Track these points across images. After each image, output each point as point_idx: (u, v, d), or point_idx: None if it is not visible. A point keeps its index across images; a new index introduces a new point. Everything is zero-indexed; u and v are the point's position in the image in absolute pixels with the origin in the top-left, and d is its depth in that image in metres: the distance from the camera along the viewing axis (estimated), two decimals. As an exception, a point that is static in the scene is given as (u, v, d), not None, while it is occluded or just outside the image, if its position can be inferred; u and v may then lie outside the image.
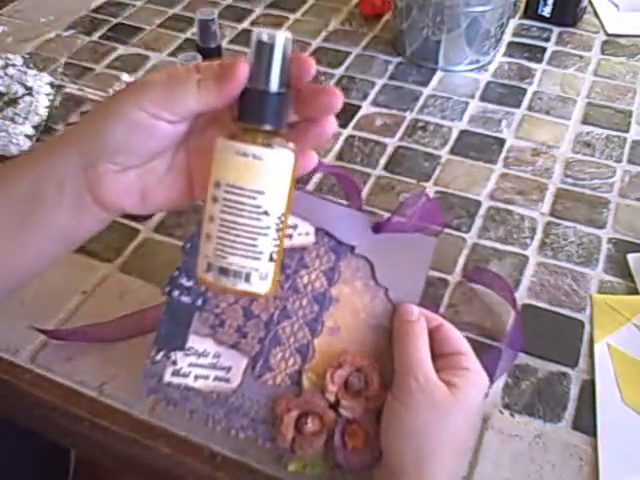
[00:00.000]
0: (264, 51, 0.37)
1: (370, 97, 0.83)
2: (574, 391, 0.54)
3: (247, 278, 0.37)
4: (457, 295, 0.60)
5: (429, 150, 0.76)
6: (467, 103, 0.83)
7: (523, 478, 0.49)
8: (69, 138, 0.41)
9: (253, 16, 0.98)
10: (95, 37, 0.93)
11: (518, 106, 0.83)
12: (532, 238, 0.66)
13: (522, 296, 0.61)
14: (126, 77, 0.80)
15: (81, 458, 0.90)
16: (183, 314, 0.47)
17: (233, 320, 0.47)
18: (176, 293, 0.47)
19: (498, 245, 0.65)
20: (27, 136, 0.73)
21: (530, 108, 0.82)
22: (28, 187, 0.41)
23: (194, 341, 0.47)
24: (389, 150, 0.76)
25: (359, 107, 0.82)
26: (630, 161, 0.75)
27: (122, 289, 0.61)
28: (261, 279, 0.38)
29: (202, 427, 0.51)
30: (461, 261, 0.63)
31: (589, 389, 0.54)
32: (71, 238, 0.43)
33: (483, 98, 0.84)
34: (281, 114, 0.38)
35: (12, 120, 0.73)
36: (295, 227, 0.49)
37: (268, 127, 0.37)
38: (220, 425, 0.47)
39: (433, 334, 0.46)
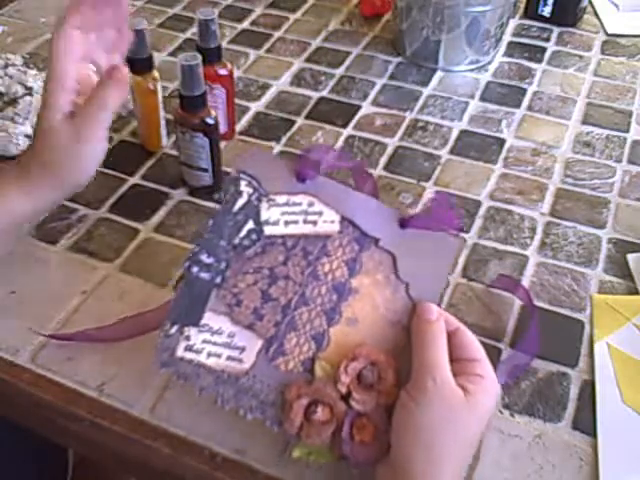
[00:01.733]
0: None
1: (370, 97, 0.83)
2: (574, 391, 0.54)
3: None
4: (457, 295, 0.60)
5: (429, 150, 0.76)
6: (467, 103, 0.83)
7: (523, 478, 0.49)
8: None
9: (253, 16, 0.99)
10: (95, 37, 0.93)
11: (518, 106, 0.83)
12: (532, 238, 0.66)
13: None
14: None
15: (81, 458, 0.90)
16: (201, 290, 0.47)
17: (250, 301, 0.47)
18: (195, 269, 0.47)
19: (498, 245, 0.65)
20: (27, 136, 0.73)
21: (530, 108, 0.82)
22: None
23: (210, 318, 0.46)
24: (389, 150, 0.76)
25: (359, 107, 0.82)
26: (630, 161, 0.75)
27: (122, 289, 0.61)
28: None
29: (202, 427, 0.51)
30: (461, 261, 0.63)
31: (589, 389, 0.54)
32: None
33: (483, 98, 0.84)
34: None
35: (12, 120, 0.73)
36: (321, 214, 0.48)
37: None
38: (229, 404, 0.46)
39: (450, 338, 0.46)
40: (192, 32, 0.94)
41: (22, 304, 0.59)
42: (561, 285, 0.62)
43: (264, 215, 0.48)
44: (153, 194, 0.70)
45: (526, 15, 0.98)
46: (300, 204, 0.49)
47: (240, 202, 0.48)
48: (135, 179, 0.72)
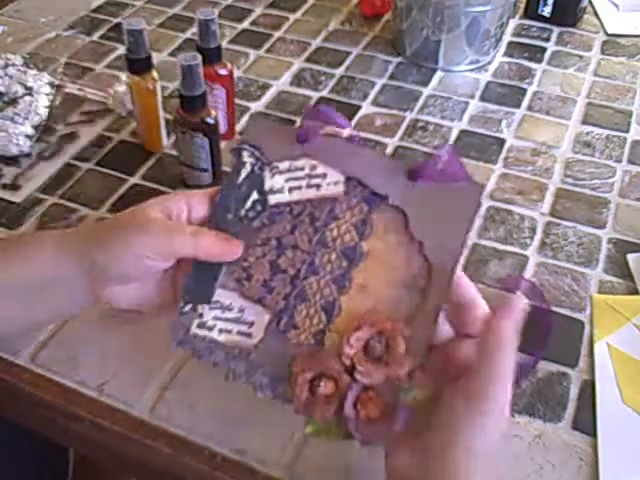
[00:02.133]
0: None
1: (370, 97, 0.83)
2: (574, 391, 0.54)
3: None
4: (457, 295, 0.60)
5: (429, 150, 0.76)
6: (467, 103, 0.83)
7: (523, 478, 0.49)
8: (77, 252, 0.46)
9: (253, 16, 0.98)
10: (95, 37, 0.93)
11: (518, 106, 0.83)
12: (532, 238, 0.66)
13: (522, 296, 0.60)
14: (125, 77, 0.80)
15: (81, 458, 0.90)
16: (211, 267, 0.46)
17: (260, 274, 0.46)
18: None
19: (498, 245, 0.65)
20: (27, 136, 0.73)
21: (530, 108, 0.82)
22: (34, 283, 0.47)
23: (220, 295, 0.46)
24: (389, 150, 0.76)
25: (359, 107, 0.82)
26: (630, 161, 0.75)
27: (122, 289, 0.60)
28: None
29: (202, 427, 0.51)
30: (461, 261, 0.63)
31: (589, 389, 0.54)
32: (65, 314, 0.55)
33: (483, 98, 0.84)
34: None
35: (12, 120, 0.73)
36: (324, 176, 0.46)
37: None
38: (241, 380, 0.44)
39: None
40: (192, 32, 0.94)
41: (22, 304, 0.59)
42: (561, 285, 0.62)
43: (268, 184, 0.47)
44: (153, 194, 0.69)
45: (526, 15, 0.98)
46: (303, 168, 0.47)
47: (243, 173, 0.47)
48: (135, 179, 0.72)
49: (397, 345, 0.42)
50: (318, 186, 0.46)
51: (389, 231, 0.45)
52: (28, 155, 0.74)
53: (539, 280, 0.62)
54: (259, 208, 0.47)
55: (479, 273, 0.62)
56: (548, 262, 0.64)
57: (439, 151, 0.46)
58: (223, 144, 0.70)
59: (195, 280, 0.46)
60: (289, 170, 0.47)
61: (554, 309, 0.60)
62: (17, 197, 0.70)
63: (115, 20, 0.97)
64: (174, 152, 0.74)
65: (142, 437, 0.51)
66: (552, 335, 0.57)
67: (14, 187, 0.70)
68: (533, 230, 0.67)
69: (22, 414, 0.59)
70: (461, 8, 0.82)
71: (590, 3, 1.01)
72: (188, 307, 0.46)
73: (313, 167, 0.47)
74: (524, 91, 0.85)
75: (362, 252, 0.45)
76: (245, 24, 0.97)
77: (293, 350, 0.44)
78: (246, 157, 0.47)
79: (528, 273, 0.63)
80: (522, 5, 0.99)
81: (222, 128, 0.71)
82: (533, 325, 0.57)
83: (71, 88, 0.83)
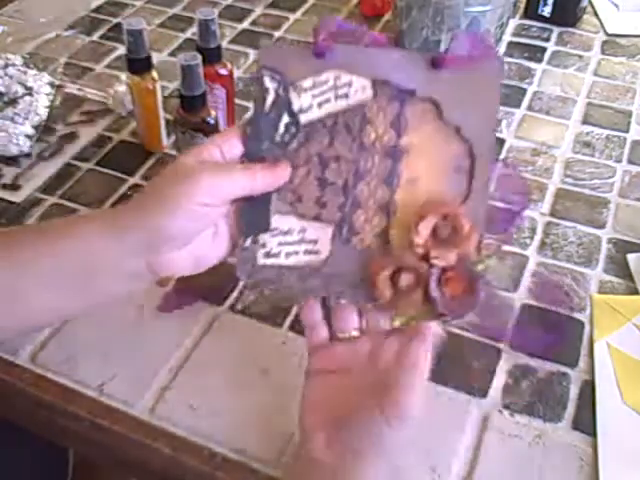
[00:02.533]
0: None
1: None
2: (574, 391, 0.54)
3: None
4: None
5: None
6: (467, 103, 0.83)
7: (523, 478, 0.49)
8: (124, 223, 0.45)
9: (253, 16, 0.98)
10: (95, 37, 0.93)
11: (518, 106, 0.83)
12: (532, 238, 0.66)
13: (522, 296, 0.61)
14: (125, 77, 0.80)
15: (80, 458, 0.90)
16: (261, 197, 0.46)
17: (310, 193, 0.47)
18: None
19: (498, 245, 0.65)
20: (27, 136, 0.73)
21: (530, 108, 0.82)
22: (80, 262, 0.45)
23: (277, 221, 0.47)
24: (389, 150, 0.76)
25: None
26: (630, 161, 0.75)
27: (122, 289, 0.60)
28: None
29: (202, 427, 0.51)
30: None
31: (589, 389, 0.54)
32: (119, 297, 0.49)
33: (483, 98, 0.84)
34: None
35: (12, 120, 0.73)
36: (350, 84, 0.47)
37: None
38: (319, 294, 0.46)
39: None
40: (192, 32, 0.94)
41: (22, 304, 0.59)
42: (561, 285, 0.62)
43: (296, 104, 0.47)
44: (153, 194, 0.70)
45: (526, 15, 0.98)
46: (327, 81, 0.47)
47: (269, 99, 0.47)
48: (135, 179, 0.72)
49: (462, 225, 0.44)
50: (346, 95, 0.47)
51: (423, 122, 0.46)
52: (28, 155, 0.74)
53: (539, 280, 0.62)
54: (293, 130, 0.47)
55: (479, 273, 0.62)
56: (548, 262, 0.64)
57: (457, 36, 0.48)
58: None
59: (249, 213, 0.46)
60: (314, 86, 0.47)
61: (554, 309, 0.60)
62: (17, 197, 0.70)
63: (115, 20, 0.97)
64: (174, 152, 0.74)
65: (142, 437, 0.51)
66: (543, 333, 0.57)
67: (14, 187, 0.70)
68: (533, 230, 0.67)
69: (22, 414, 0.59)
70: (461, 8, 0.82)
71: (590, 3, 1.01)
72: (249, 241, 0.47)
73: (337, 77, 0.47)
74: (524, 91, 0.85)
75: (403, 148, 0.46)
76: (245, 24, 0.97)
77: (361, 255, 0.46)
78: (268, 82, 0.47)
79: (528, 273, 0.63)
80: (522, 5, 0.99)
81: (222, 128, 0.71)
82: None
83: (71, 88, 0.83)
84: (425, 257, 0.44)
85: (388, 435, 0.42)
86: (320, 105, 0.47)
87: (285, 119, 0.47)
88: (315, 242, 0.47)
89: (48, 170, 0.73)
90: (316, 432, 0.44)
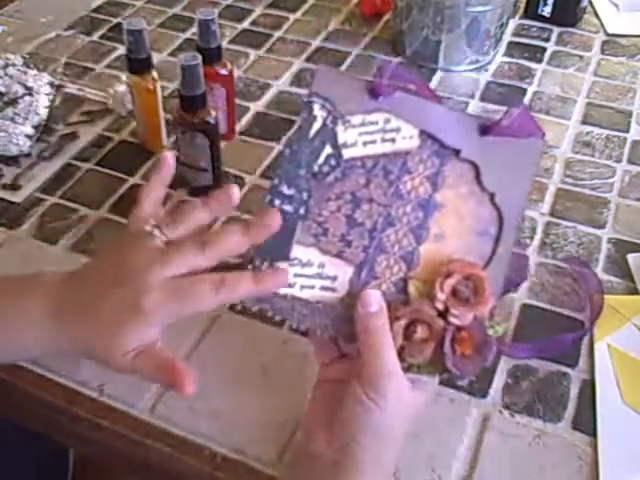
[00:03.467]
0: None
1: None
2: (574, 391, 0.54)
3: None
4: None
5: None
6: (467, 103, 0.83)
7: (523, 478, 0.49)
8: (68, 328, 0.45)
9: (253, 16, 0.98)
10: (95, 37, 0.93)
11: (518, 106, 0.82)
12: (532, 238, 0.66)
13: (522, 296, 0.61)
14: (125, 77, 0.80)
15: (81, 458, 0.90)
16: (286, 223, 0.46)
17: (336, 229, 0.47)
18: (277, 202, 0.46)
19: (498, 245, 0.65)
20: (27, 136, 0.73)
21: (530, 108, 0.82)
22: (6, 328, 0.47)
23: (298, 251, 0.46)
24: (389, 150, 0.76)
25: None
26: (630, 161, 0.75)
27: (122, 289, 0.60)
28: None
29: (202, 427, 0.51)
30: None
31: (589, 389, 0.54)
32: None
33: (483, 98, 0.84)
34: None
35: (12, 120, 0.73)
36: (398, 130, 0.47)
37: None
38: (328, 332, 0.46)
39: None
40: (192, 32, 0.94)
41: (22, 304, 0.59)
42: (561, 285, 0.62)
43: (341, 138, 0.47)
44: (153, 194, 0.70)
45: (526, 15, 0.98)
46: (377, 122, 0.48)
47: (315, 127, 0.47)
48: (135, 179, 0.72)
49: (484, 288, 0.45)
50: (393, 140, 0.47)
51: (461, 182, 0.48)
52: (28, 155, 0.74)
53: (539, 280, 0.62)
54: (333, 163, 0.47)
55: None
56: (548, 262, 0.64)
57: (511, 108, 0.49)
58: (223, 144, 0.70)
59: (271, 238, 0.45)
60: (363, 124, 0.47)
61: (554, 309, 0.60)
62: (17, 197, 0.69)
63: (115, 20, 0.97)
64: (174, 152, 0.73)
65: (142, 437, 0.51)
66: (543, 333, 0.57)
67: (14, 187, 0.70)
68: (533, 230, 0.67)
69: (22, 414, 0.59)
70: (461, 8, 0.82)
71: (590, 3, 1.01)
72: (265, 265, 0.46)
73: (387, 121, 0.48)
74: (524, 91, 0.85)
75: (436, 203, 0.47)
76: (245, 24, 0.97)
77: None
78: (317, 110, 0.47)
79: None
80: (522, 5, 0.99)
81: (222, 128, 0.71)
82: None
83: (71, 88, 0.83)
84: (442, 314, 0.45)
85: (375, 415, 0.42)
86: (365, 144, 0.47)
87: (328, 150, 0.47)
88: (334, 279, 0.46)
89: (48, 170, 0.73)
90: (317, 433, 0.44)
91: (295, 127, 0.47)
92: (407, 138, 0.47)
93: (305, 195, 0.47)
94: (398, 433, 0.44)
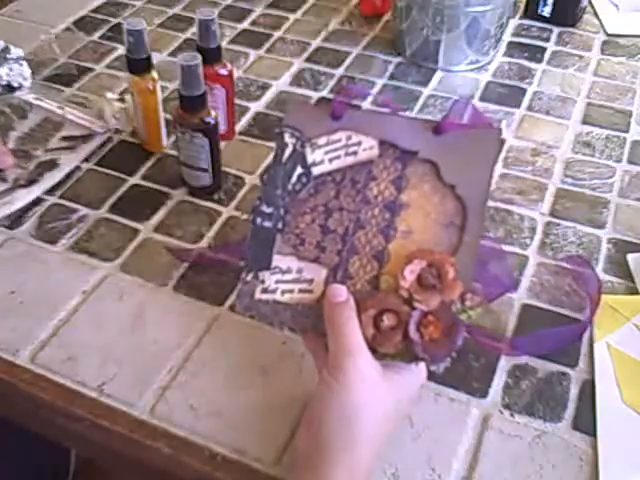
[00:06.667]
0: None
1: (370, 97, 0.83)
2: (574, 391, 0.54)
3: None
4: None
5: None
6: (467, 103, 0.83)
7: (523, 478, 0.49)
8: None
9: (253, 16, 0.98)
10: (95, 37, 0.93)
11: (518, 106, 0.83)
12: (532, 238, 0.66)
13: (522, 296, 0.61)
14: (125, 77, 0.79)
15: (81, 458, 0.90)
16: (266, 237, 0.51)
17: (312, 237, 0.51)
18: (259, 220, 0.51)
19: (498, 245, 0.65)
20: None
21: (530, 108, 0.82)
22: None
23: (278, 260, 0.51)
24: (389, 150, 0.76)
25: (359, 107, 0.82)
26: (630, 161, 0.75)
27: (122, 289, 0.61)
28: None
29: (202, 427, 0.51)
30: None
31: (589, 389, 0.54)
32: None
33: (483, 98, 0.84)
34: None
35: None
36: (359, 143, 0.52)
37: None
38: (309, 331, 0.50)
39: None
40: (192, 32, 0.94)
41: (22, 304, 0.59)
42: (561, 285, 0.62)
43: (310, 158, 0.52)
44: (153, 194, 0.70)
45: (526, 15, 0.98)
46: (340, 140, 0.52)
47: (287, 152, 0.52)
48: (135, 179, 0.72)
49: (447, 272, 0.47)
50: (355, 153, 0.52)
51: (423, 182, 0.51)
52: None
53: (539, 280, 0.62)
54: (304, 180, 0.52)
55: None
56: (548, 262, 0.64)
57: (456, 105, 0.53)
58: (223, 144, 0.70)
59: (253, 250, 0.51)
60: (327, 144, 0.52)
61: (554, 309, 0.60)
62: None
63: (115, 20, 0.97)
64: (174, 152, 0.74)
65: (142, 437, 0.51)
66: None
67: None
68: (533, 230, 0.67)
69: (22, 414, 0.59)
70: (461, 8, 0.82)
71: (590, 3, 1.01)
72: (250, 276, 0.50)
73: (348, 137, 0.52)
74: (524, 91, 0.85)
75: (402, 203, 0.51)
76: (245, 24, 0.97)
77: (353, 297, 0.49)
78: (288, 138, 0.53)
79: (528, 273, 0.63)
80: (522, 5, 0.99)
81: (222, 128, 0.71)
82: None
83: (50, 104, 0.78)
84: (409, 301, 0.47)
85: (335, 390, 0.44)
86: (331, 160, 0.52)
87: (299, 170, 0.52)
88: (310, 282, 0.50)
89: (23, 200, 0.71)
90: (300, 429, 0.46)
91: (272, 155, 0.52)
92: (368, 149, 0.52)
93: (282, 211, 0.51)
94: (369, 416, 0.44)
